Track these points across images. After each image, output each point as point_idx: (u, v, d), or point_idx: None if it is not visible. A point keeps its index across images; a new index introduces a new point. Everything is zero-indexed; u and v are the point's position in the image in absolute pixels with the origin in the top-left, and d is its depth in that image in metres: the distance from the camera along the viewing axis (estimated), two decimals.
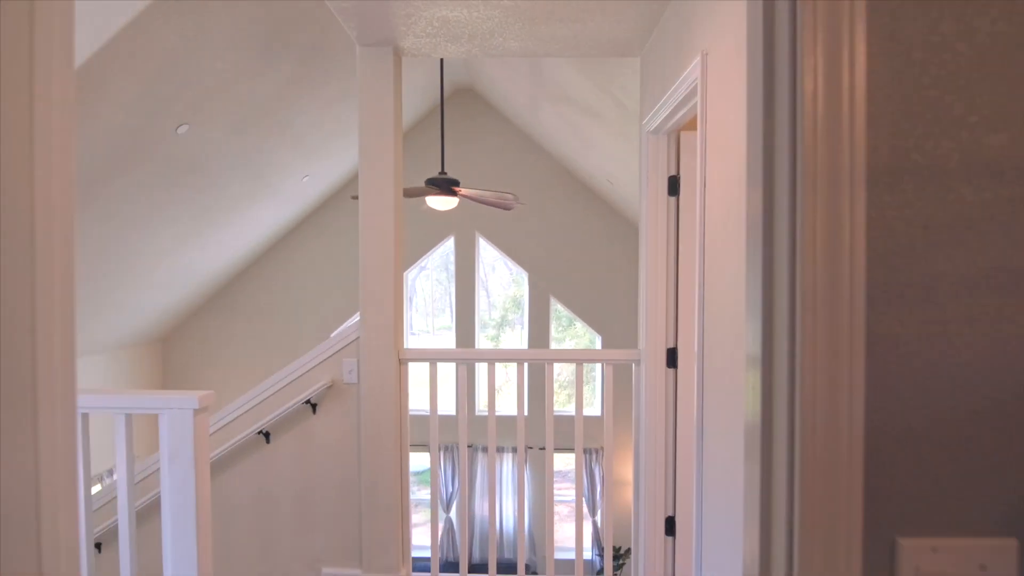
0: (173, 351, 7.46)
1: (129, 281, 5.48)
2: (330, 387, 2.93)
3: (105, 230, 4.48)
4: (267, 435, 2.95)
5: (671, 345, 2.77)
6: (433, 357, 2.94)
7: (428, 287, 16.58)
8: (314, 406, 2.94)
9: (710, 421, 1.90)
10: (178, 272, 6.10)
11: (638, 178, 2.99)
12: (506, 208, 4.77)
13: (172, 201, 4.83)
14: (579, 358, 2.90)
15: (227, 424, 2.97)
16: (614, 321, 7.16)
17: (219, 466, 2.97)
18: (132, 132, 3.75)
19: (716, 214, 1.82)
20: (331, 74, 4.59)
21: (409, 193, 4.71)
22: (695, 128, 2.70)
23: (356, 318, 2.93)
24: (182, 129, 3.97)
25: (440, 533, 7.38)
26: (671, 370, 2.77)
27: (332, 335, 3.00)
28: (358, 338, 2.89)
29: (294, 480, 2.97)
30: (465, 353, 2.97)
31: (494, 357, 2.94)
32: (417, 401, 7.57)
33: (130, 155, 3.91)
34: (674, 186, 2.73)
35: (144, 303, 6.17)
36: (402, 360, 2.91)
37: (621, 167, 5.30)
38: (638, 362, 2.88)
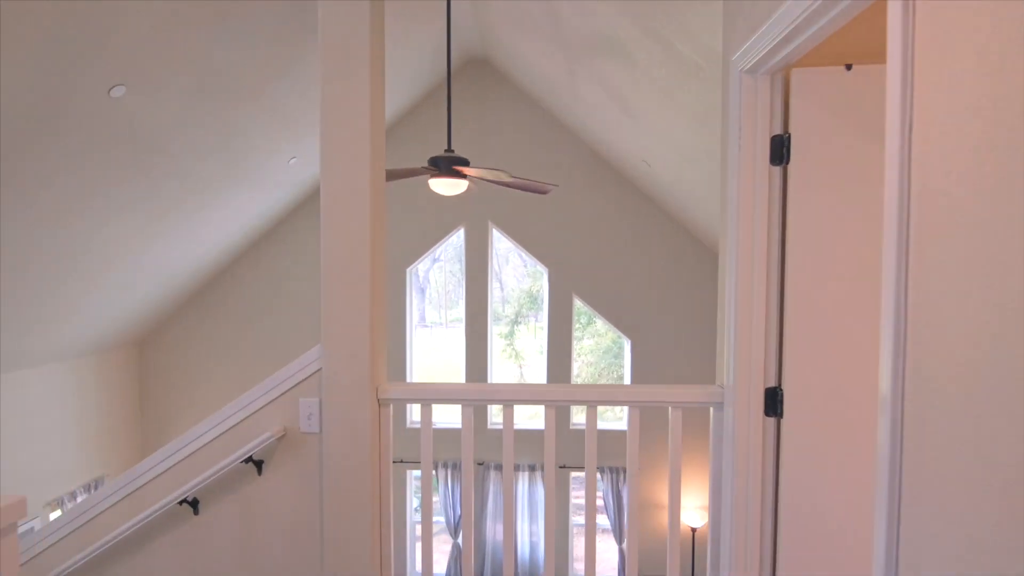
0: (152, 355, 6.68)
1: (85, 280, 4.68)
2: (282, 438, 2.08)
3: (38, 219, 3.67)
4: (195, 504, 2.12)
5: (771, 384, 1.89)
6: (428, 396, 2.09)
7: (441, 279, 15.85)
8: (259, 464, 2.09)
9: (938, 523, 1.03)
10: (147, 269, 5.30)
11: (720, 141, 2.10)
12: (541, 192, 3.91)
13: (125, 186, 4.00)
14: (635, 399, 2.03)
15: (139, 489, 2.14)
16: (645, 323, 6.28)
17: (128, 546, 2.15)
18: (47, 94, 2.91)
19: (952, 173, 0.94)
20: (311, 21, 3.73)
21: (404, 174, 3.87)
22: (820, 62, 1.82)
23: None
24: (117, 91, 3.13)
25: (448, 560, 6.59)
26: (771, 419, 1.90)
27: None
28: (320, 370, 2.04)
29: (233, 564, 2.13)
30: (473, 391, 2.11)
31: (514, 396, 2.08)
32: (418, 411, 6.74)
33: (49, 124, 3.08)
34: (780, 150, 1.84)
35: (110, 304, 5.38)
36: (383, 401, 2.06)
37: (663, 144, 4.41)
38: (719, 405, 2.01)
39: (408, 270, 6.43)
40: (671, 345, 6.25)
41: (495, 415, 6.59)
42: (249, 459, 2.06)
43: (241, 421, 2.09)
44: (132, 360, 6.59)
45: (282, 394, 2.08)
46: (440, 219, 6.36)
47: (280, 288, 6.52)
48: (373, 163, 1.99)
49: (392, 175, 3.64)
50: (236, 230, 5.91)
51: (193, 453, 2.11)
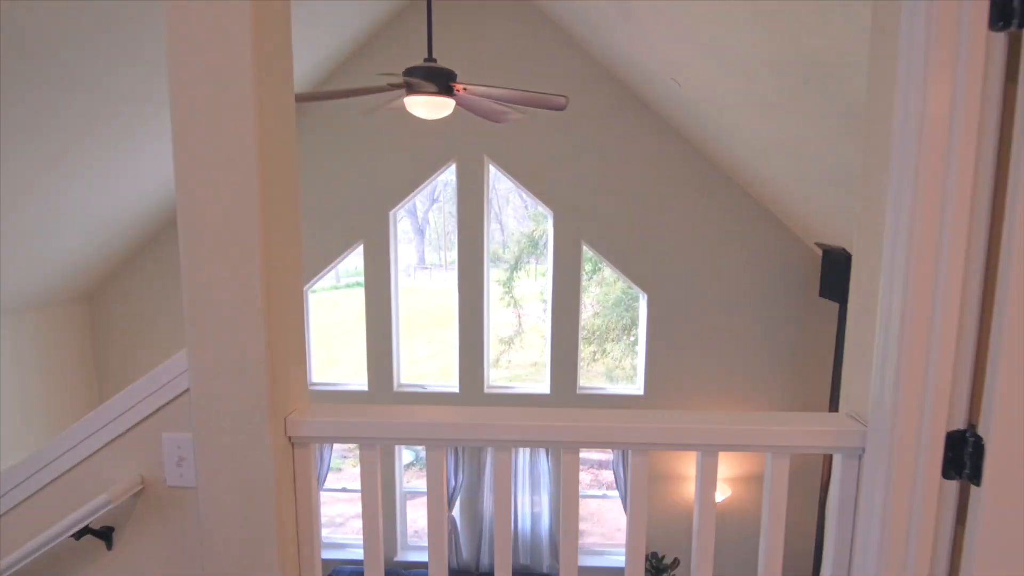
0: (105, 310, 5.89)
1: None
2: (139, 493, 1.30)
3: None
4: None
5: (958, 426, 1.10)
6: (373, 434, 1.29)
7: (441, 220, 14.99)
8: (107, 535, 1.32)
9: None
10: (75, 211, 4.44)
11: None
12: (556, 108, 3.04)
13: (8, 104, 3.11)
14: (716, 439, 1.22)
15: None
16: (665, 276, 5.46)
17: None
18: None
19: None
20: None
21: (362, 91, 2.99)
22: None
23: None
24: None
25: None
26: (954, 482, 1.11)
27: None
28: (188, 391, 1.23)
29: None
30: (446, 424, 1.30)
31: (514, 434, 1.27)
32: (409, 375, 6.04)
33: None
34: (1010, 2, 0.98)
35: (35, 253, 4.55)
36: (297, 440, 1.27)
37: (703, 53, 3.47)
38: (853, 451, 1.21)
39: (392, 213, 5.56)
40: (696, 302, 5.45)
41: (493, 379, 5.86)
42: (86, 530, 1.28)
43: (76, 465, 1.31)
44: (82, 316, 5.80)
45: (136, 425, 1.28)
46: (427, 153, 5.44)
47: None
48: (259, 52, 1.13)
49: (339, 94, 2.76)
50: None
51: (5, 514, 1.33)
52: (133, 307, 5.87)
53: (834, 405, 4.94)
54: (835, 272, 4.77)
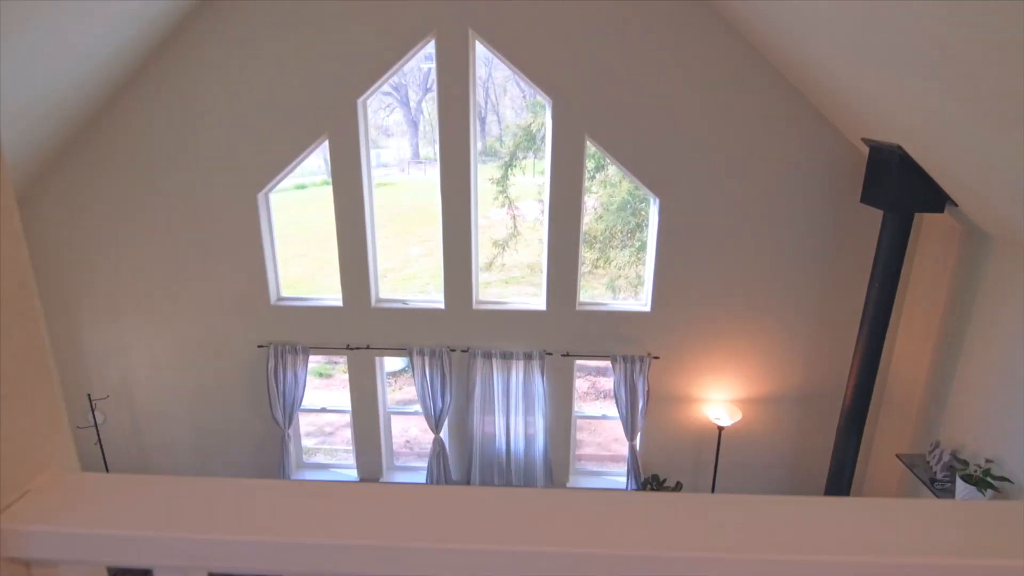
0: (35, 215, 5.14)
1: None
2: None
3: None
4: None
5: None
6: (182, 559, 0.66)
7: (435, 111, 13.89)
8: None
9: None
10: None
11: None
12: None
13: None
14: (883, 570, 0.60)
15: None
16: (680, 178, 4.71)
17: None
18: None
19: None
20: None
21: None
22: None
23: None
24: None
25: (430, 457, 5.63)
26: None
27: None
28: None
29: None
30: (330, 544, 0.68)
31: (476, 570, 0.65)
32: (399, 278, 5.36)
33: None
34: None
35: None
36: (31, 562, 0.63)
37: None
38: None
39: (359, 101, 4.70)
40: (715, 207, 4.73)
41: (481, 294, 5.25)
42: None
43: None
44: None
45: None
46: (399, 27, 4.49)
47: (198, 119, 4.82)
48: None
49: None
50: (123, 34, 4.11)
51: None
52: (70, 209, 5.13)
53: (866, 322, 4.34)
54: (883, 174, 4.03)
